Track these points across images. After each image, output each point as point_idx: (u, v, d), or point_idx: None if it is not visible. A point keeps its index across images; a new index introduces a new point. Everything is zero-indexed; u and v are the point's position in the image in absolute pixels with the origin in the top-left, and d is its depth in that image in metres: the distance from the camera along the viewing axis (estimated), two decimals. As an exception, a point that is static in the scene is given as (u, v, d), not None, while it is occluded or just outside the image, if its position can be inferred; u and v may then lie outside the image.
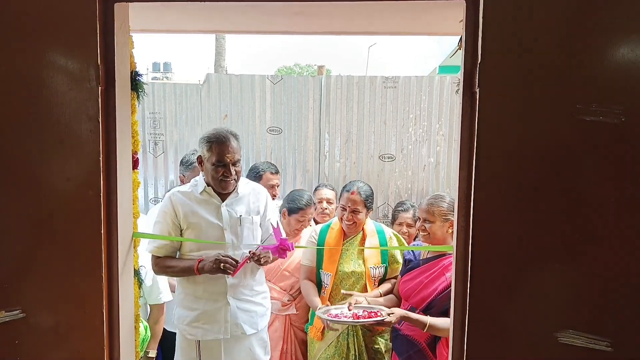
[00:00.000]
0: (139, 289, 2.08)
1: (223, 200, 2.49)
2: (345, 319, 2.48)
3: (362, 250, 2.80)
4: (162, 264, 2.48)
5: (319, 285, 2.87)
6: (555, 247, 1.58)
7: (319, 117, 4.06)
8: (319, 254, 2.85)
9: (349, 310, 2.54)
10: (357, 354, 2.68)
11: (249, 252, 2.35)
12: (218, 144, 2.40)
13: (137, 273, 2.03)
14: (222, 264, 2.28)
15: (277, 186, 3.52)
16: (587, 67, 1.50)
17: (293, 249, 2.32)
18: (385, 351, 2.75)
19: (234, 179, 2.44)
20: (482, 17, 1.54)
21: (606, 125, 1.49)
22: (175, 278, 2.68)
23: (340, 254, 2.81)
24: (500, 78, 1.55)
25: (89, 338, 1.69)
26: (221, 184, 2.43)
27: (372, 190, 2.91)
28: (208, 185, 2.48)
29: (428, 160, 4.03)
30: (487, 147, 1.59)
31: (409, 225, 3.47)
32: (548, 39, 1.52)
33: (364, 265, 2.80)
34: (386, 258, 2.85)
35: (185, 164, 3.34)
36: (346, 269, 2.79)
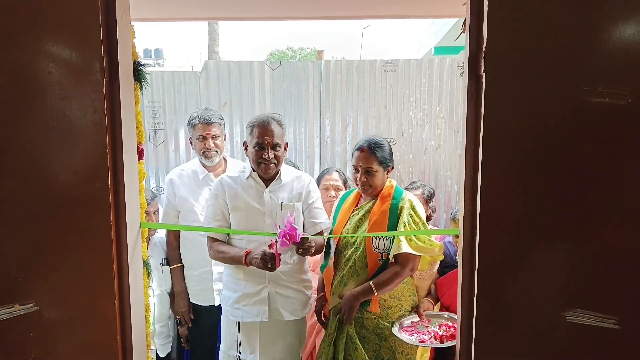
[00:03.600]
0: (148, 279, 2.09)
1: (267, 187, 2.52)
2: (430, 343, 2.33)
3: (370, 217, 2.50)
4: (215, 248, 2.51)
5: (327, 253, 2.65)
6: (561, 227, 1.60)
7: (319, 103, 4.04)
8: (334, 221, 2.65)
9: (420, 319, 2.43)
10: (346, 335, 2.48)
11: (272, 240, 2.33)
12: (258, 126, 2.44)
13: (145, 263, 2.05)
14: (268, 264, 2.28)
15: None
16: (594, 48, 1.50)
17: (298, 240, 2.23)
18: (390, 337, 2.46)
19: (274, 163, 2.45)
20: (488, 0, 1.54)
21: (612, 107, 1.50)
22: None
23: (347, 221, 2.58)
24: (506, 61, 1.55)
25: (102, 329, 1.71)
26: (260, 166, 2.45)
27: (389, 146, 2.54)
28: (254, 171, 2.52)
29: (429, 143, 4.02)
30: (493, 131, 1.59)
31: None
32: (554, 21, 1.51)
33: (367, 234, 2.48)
34: (393, 229, 2.45)
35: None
36: (349, 236, 2.53)
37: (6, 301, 1.62)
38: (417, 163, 4.06)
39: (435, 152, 4.05)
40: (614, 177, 1.55)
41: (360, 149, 2.49)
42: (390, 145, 2.56)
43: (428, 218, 3.02)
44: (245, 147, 2.54)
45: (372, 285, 2.41)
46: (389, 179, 2.58)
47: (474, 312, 1.70)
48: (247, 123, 2.55)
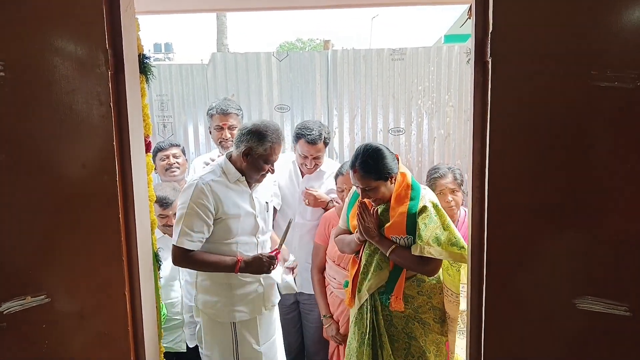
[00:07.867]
0: (158, 270, 2.11)
1: (250, 189, 2.49)
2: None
3: (390, 216, 2.37)
4: (193, 259, 2.32)
5: None
6: (570, 214, 1.58)
7: (327, 93, 4.03)
8: (348, 217, 2.57)
9: None
10: (375, 328, 2.42)
11: (275, 249, 2.49)
12: (278, 145, 2.40)
13: (155, 255, 2.06)
14: (271, 267, 2.38)
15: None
16: (602, 32, 1.47)
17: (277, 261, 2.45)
18: (419, 338, 2.38)
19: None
20: (493, -15, 1.51)
21: (621, 91, 1.47)
22: None
23: None
24: (512, 46, 1.53)
25: (113, 320, 1.73)
26: (260, 178, 2.47)
27: (384, 151, 2.31)
28: (242, 174, 2.42)
29: (438, 132, 3.99)
30: (500, 118, 1.58)
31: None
32: (561, 4, 1.49)
33: (384, 234, 2.37)
34: (413, 229, 2.31)
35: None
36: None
37: (18, 293, 1.64)
38: (427, 152, 4.03)
39: (444, 141, 4.02)
40: (623, 163, 1.53)
41: (352, 168, 2.31)
42: (385, 150, 2.33)
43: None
44: (247, 153, 2.36)
45: (393, 250, 2.32)
46: (401, 172, 2.39)
47: (483, 301, 1.69)
48: (258, 132, 2.37)
